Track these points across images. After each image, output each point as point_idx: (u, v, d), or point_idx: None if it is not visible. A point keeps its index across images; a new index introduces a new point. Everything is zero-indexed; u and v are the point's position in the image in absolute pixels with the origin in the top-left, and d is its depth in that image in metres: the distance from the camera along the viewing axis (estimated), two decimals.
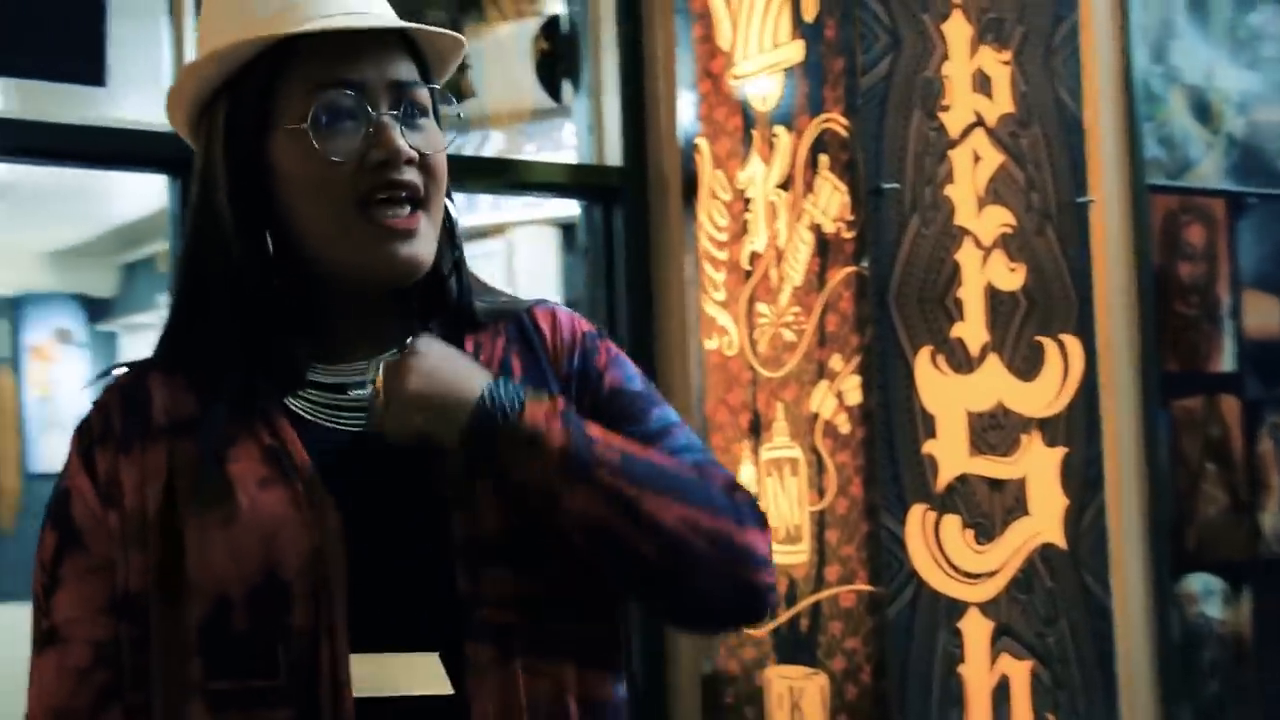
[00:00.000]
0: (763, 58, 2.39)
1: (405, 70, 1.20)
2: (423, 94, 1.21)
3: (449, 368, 1.16)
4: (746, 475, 2.41)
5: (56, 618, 1.19)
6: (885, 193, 2.19)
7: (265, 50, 1.18)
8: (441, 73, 1.28)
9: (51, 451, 6.83)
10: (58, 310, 8.35)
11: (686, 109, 2.54)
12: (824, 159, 2.26)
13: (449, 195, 1.26)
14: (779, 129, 2.35)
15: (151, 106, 2.24)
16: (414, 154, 1.17)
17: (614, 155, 2.64)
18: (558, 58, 2.77)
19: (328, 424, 1.20)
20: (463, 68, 2.63)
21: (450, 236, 1.25)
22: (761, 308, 2.38)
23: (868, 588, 2.19)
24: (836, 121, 2.24)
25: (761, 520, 1.21)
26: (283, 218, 1.20)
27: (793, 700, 2.32)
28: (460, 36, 1.27)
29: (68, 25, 2.25)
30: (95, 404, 1.23)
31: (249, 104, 1.20)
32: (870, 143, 2.20)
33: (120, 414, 1.20)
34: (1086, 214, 2.42)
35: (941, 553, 2.21)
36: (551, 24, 2.81)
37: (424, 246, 1.19)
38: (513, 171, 2.62)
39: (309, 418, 1.20)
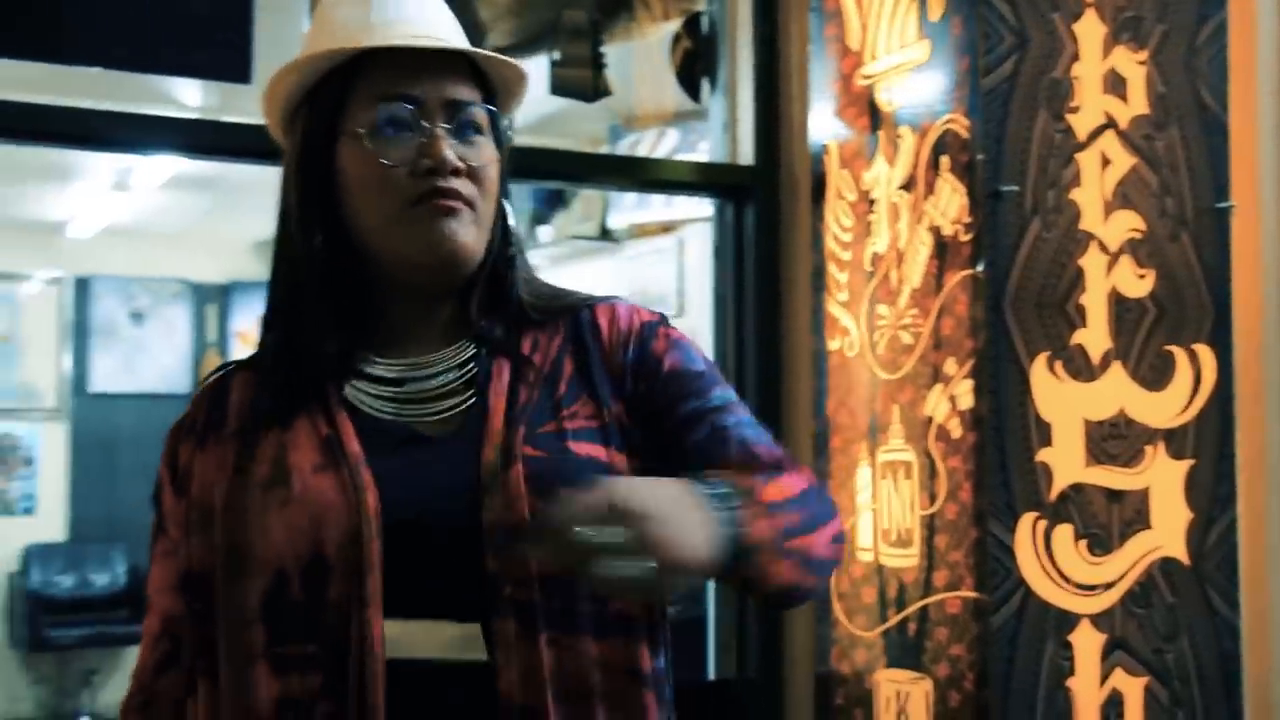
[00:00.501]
0: (890, 58, 2.37)
1: (462, 91, 1.32)
2: (477, 113, 1.33)
3: (677, 521, 1.13)
4: (863, 477, 2.40)
5: (150, 588, 1.37)
6: (1004, 195, 2.16)
7: (341, 65, 1.32)
8: (507, 99, 1.39)
9: None
10: (263, 297, 8.75)
11: (818, 109, 2.54)
12: (945, 160, 2.24)
13: (505, 197, 1.37)
14: (904, 129, 2.33)
15: None
16: (461, 165, 1.30)
17: (747, 154, 2.65)
18: (698, 57, 2.80)
19: (382, 415, 1.30)
20: (599, 66, 2.68)
21: (504, 239, 1.36)
22: (881, 309, 2.37)
23: (973, 595, 2.16)
24: (958, 122, 2.22)
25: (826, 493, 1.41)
26: (345, 217, 1.32)
27: (899, 705, 2.31)
28: (521, 68, 1.39)
29: (216, 25, 2.36)
30: (192, 400, 1.38)
31: (323, 113, 1.33)
32: (990, 144, 2.17)
33: (204, 411, 1.35)
34: (1228, 220, 2.34)
35: (1052, 562, 2.17)
36: (693, 23, 2.83)
37: (468, 233, 1.30)
38: (646, 170, 2.66)
39: (365, 409, 1.30)
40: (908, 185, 2.32)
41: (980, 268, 2.16)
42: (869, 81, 2.42)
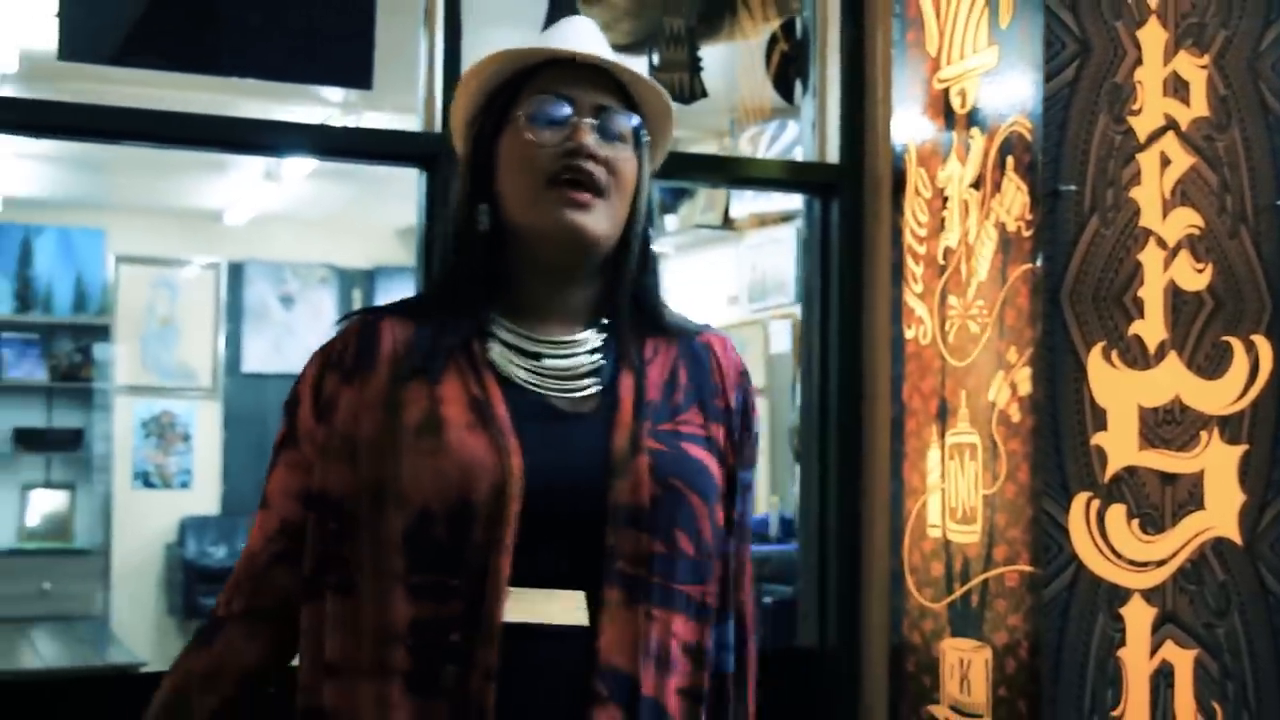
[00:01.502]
0: (964, 62, 2.52)
1: (612, 101, 1.53)
2: (621, 121, 1.53)
3: None
4: (933, 458, 2.56)
5: (270, 488, 1.55)
6: (1062, 194, 2.29)
7: (517, 72, 1.54)
8: (654, 122, 1.58)
9: None
10: (407, 281, 9.07)
11: (899, 110, 2.70)
12: (1010, 160, 2.38)
13: (650, 224, 1.57)
14: (974, 131, 2.48)
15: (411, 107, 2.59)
16: (600, 153, 1.49)
17: (834, 152, 2.82)
18: (792, 60, 2.97)
19: (524, 385, 1.49)
20: (695, 69, 2.86)
21: (643, 249, 1.56)
22: (952, 300, 2.52)
23: (1028, 569, 2.30)
24: (1022, 125, 2.36)
25: None
26: (499, 195, 1.52)
27: (962, 672, 2.46)
28: (665, 95, 1.59)
29: (342, 36, 2.60)
30: (340, 333, 1.55)
31: (497, 107, 1.54)
32: (1051, 146, 2.30)
33: (354, 348, 1.52)
34: None
35: (1105, 540, 2.31)
36: (788, 27, 3.00)
37: (595, 221, 1.49)
38: (738, 168, 2.83)
39: (509, 376, 1.49)
40: (977, 184, 2.47)
41: (1039, 262, 2.30)
42: (944, 85, 2.57)
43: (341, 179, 7.44)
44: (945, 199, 2.56)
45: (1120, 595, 2.32)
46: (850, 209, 2.78)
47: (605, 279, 1.56)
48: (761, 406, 4.89)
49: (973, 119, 2.49)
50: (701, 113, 3.12)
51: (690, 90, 2.84)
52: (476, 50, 2.55)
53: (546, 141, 1.49)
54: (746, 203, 5.44)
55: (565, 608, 1.43)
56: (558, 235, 1.49)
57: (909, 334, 2.65)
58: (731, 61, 3.27)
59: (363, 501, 1.45)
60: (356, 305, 8.96)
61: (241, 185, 7.27)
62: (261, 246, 8.35)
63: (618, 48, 3.05)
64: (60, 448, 8.20)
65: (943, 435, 2.54)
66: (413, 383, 1.47)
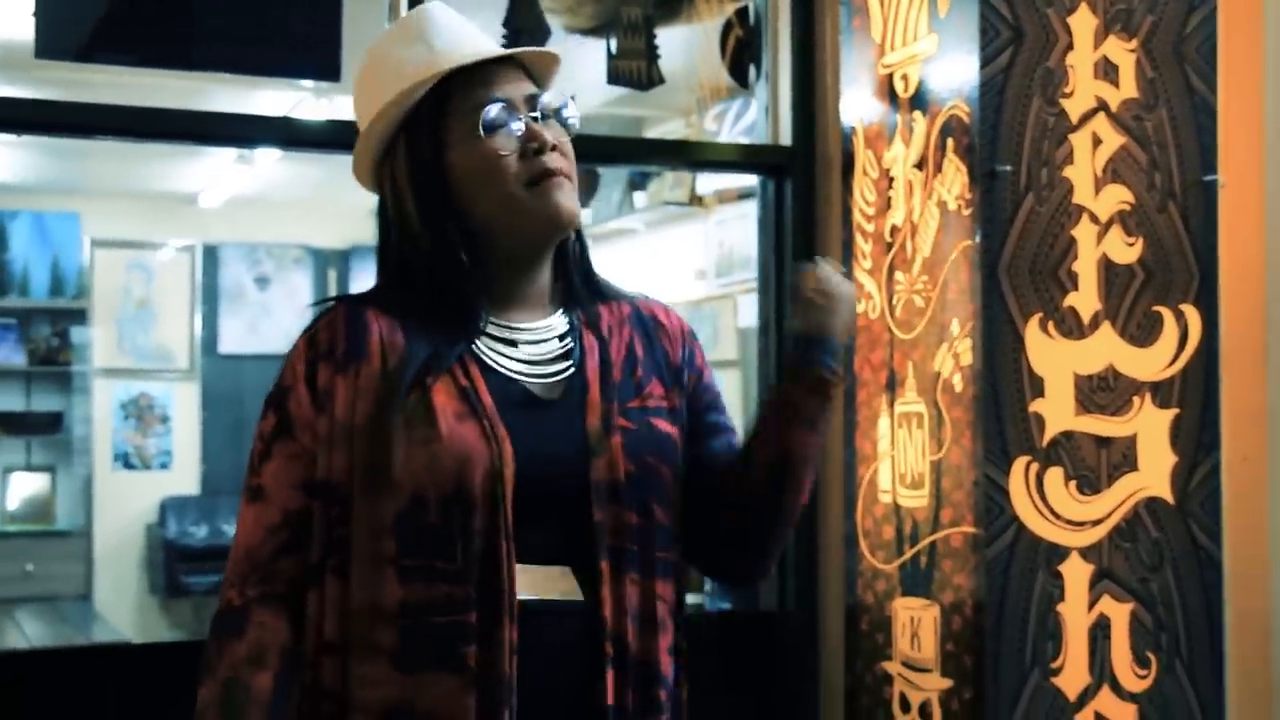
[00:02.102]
0: (905, 49, 2.63)
1: (529, 86, 1.62)
2: (546, 101, 1.61)
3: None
4: (883, 426, 2.69)
5: (264, 480, 1.57)
6: (999, 174, 2.41)
7: (424, 98, 1.60)
8: (549, 82, 1.67)
9: None
10: None
11: (847, 94, 2.81)
12: (950, 142, 2.50)
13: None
14: (916, 114, 2.60)
15: None
16: (555, 141, 1.57)
17: (786, 135, 2.93)
18: (746, 45, 3.08)
19: (503, 371, 1.59)
20: (653, 57, 2.97)
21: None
22: (899, 276, 2.64)
23: (972, 530, 2.43)
24: (960, 108, 2.47)
25: None
26: (463, 210, 1.59)
27: (913, 629, 2.59)
28: (555, 53, 1.66)
29: (309, 30, 2.70)
30: (324, 325, 1.60)
31: (425, 135, 1.60)
32: (987, 129, 2.42)
33: (344, 338, 1.57)
34: (1215, 193, 2.57)
35: (1044, 501, 2.44)
36: (743, 13, 3.11)
37: (574, 201, 1.60)
38: (692, 151, 2.95)
39: (490, 364, 1.58)
40: (920, 164, 2.59)
41: (977, 239, 2.42)
42: (889, 70, 2.69)
43: (313, 162, 7.50)
44: (891, 179, 2.68)
45: (1059, 553, 2.45)
46: (802, 189, 2.89)
47: (556, 259, 1.66)
48: (732, 379, 5.01)
49: (915, 103, 2.61)
50: (670, 91, 3.22)
51: (648, 76, 2.94)
52: None
53: (508, 148, 1.57)
54: (713, 179, 5.54)
55: (564, 582, 1.54)
56: (551, 230, 1.58)
57: (859, 309, 2.77)
58: (691, 43, 3.37)
59: (357, 487, 1.53)
60: (332, 285, 9.04)
61: (215, 169, 7.34)
62: (236, 228, 8.41)
63: (581, 32, 3.16)
64: (40, 431, 8.26)
65: (892, 405, 2.67)
66: (407, 372, 1.54)
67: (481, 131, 1.57)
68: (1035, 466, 2.43)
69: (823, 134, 2.89)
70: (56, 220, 8.52)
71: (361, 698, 1.51)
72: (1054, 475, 2.45)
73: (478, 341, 1.60)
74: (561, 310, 1.66)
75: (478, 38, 1.65)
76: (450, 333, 1.58)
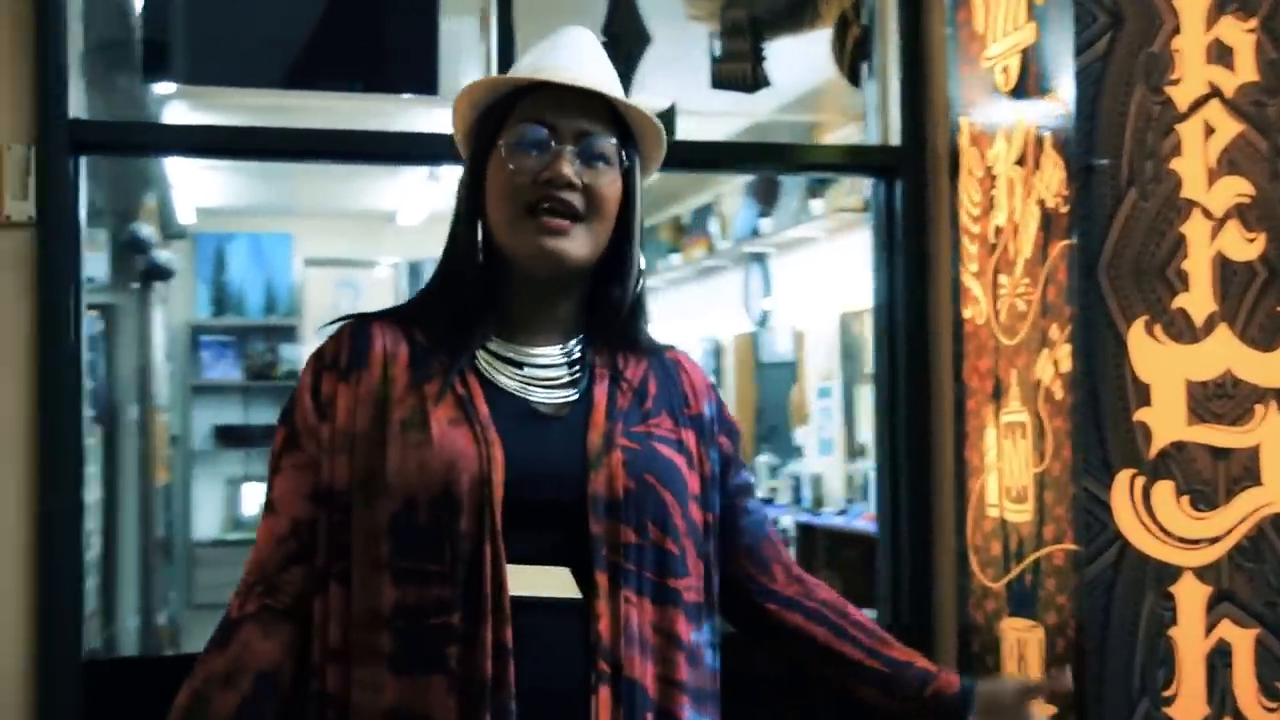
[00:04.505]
0: (1006, 40, 2.50)
1: (595, 125, 1.60)
2: (604, 144, 1.60)
3: None
4: (990, 437, 2.55)
5: (275, 493, 1.61)
6: (1096, 168, 2.27)
7: (505, 94, 1.62)
8: (644, 144, 1.67)
9: None
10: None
11: (954, 90, 2.69)
12: (1048, 137, 2.36)
13: (628, 230, 1.65)
14: (1016, 108, 2.46)
15: None
16: (577, 181, 1.57)
17: (897, 135, 2.82)
18: (860, 42, 2.97)
19: (504, 387, 1.59)
20: (758, 59, 2.90)
21: (625, 266, 1.65)
22: (1002, 279, 2.51)
23: (1073, 547, 2.29)
24: (1057, 100, 2.33)
25: None
26: (487, 217, 1.61)
27: (1019, 651, 2.45)
28: (654, 119, 1.66)
29: (405, 42, 2.73)
30: (331, 337, 1.65)
31: (486, 131, 1.63)
32: (1084, 121, 2.28)
33: (347, 349, 1.61)
34: None
35: (1151, 517, 2.27)
36: (858, 7, 3.01)
37: (573, 245, 1.58)
38: (800, 154, 2.86)
39: (493, 379, 1.59)
40: (1020, 161, 2.45)
41: (1074, 238, 2.28)
42: (990, 63, 2.55)
43: None
44: (994, 178, 2.54)
45: (1170, 573, 2.28)
46: (912, 191, 2.78)
47: (587, 293, 1.65)
48: None
49: (1015, 96, 2.47)
50: (842, 93, 3.12)
51: (753, 79, 2.87)
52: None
53: (525, 169, 1.56)
54: None
55: (560, 582, 1.52)
56: (537, 261, 1.57)
57: (967, 314, 2.64)
58: (809, 53, 3.28)
59: (356, 492, 1.55)
60: None
61: (408, 187, 7.52)
62: (435, 245, 8.59)
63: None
64: (257, 443, 8.61)
65: (997, 414, 2.53)
66: (405, 382, 1.57)
67: (509, 145, 1.58)
68: (1141, 480, 2.27)
69: (932, 133, 2.77)
70: (271, 241, 8.87)
71: (361, 702, 1.51)
72: (1163, 490, 2.28)
73: (481, 358, 1.60)
74: (579, 341, 1.65)
75: (591, 69, 1.63)
76: (454, 345, 1.59)
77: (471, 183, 1.63)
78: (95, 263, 7.12)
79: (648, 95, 2.84)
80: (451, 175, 5.73)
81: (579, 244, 1.58)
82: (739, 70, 2.85)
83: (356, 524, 1.54)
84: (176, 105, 5.30)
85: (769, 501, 6.55)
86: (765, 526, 1.77)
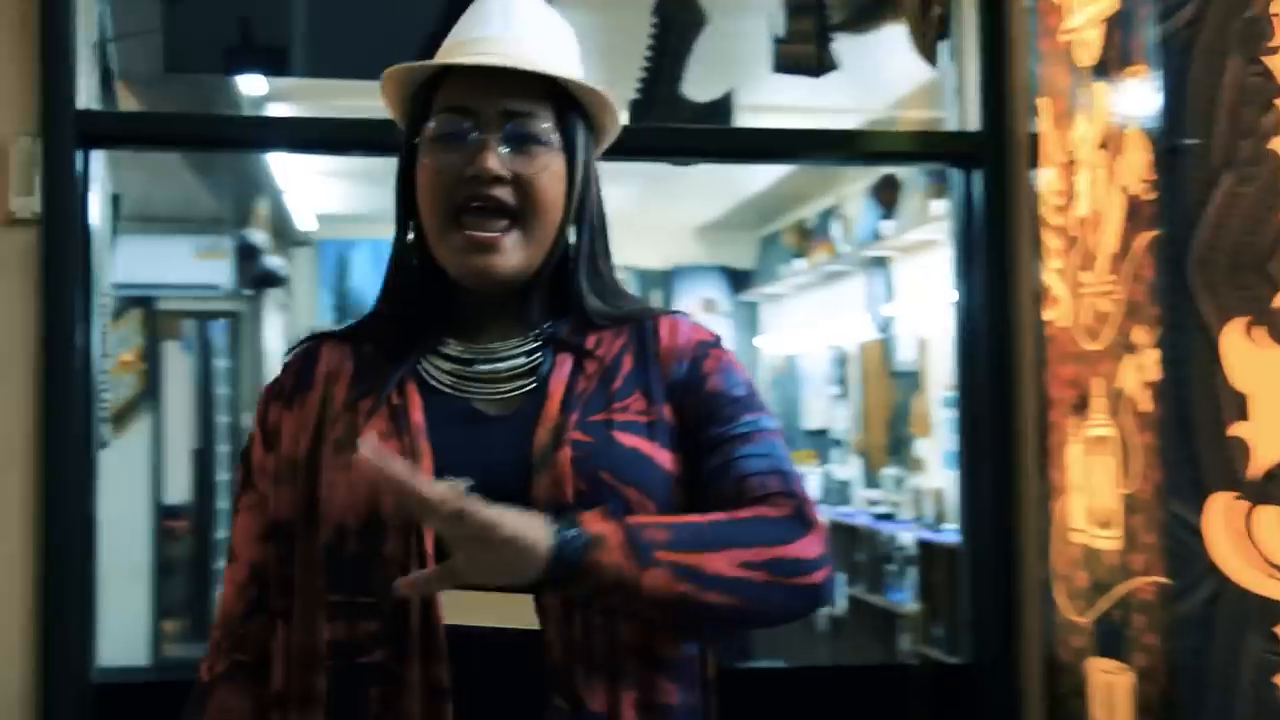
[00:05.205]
0: (1086, 10, 2.23)
1: (524, 104, 1.40)
2: (534, 124, 1.40)
3: (512, 533, 1.25)
4: (1073, 453, 2.28)
5: (234, 539, 1.49)
6: (1182, 150, 1.99)
7: (424, 82, 1.44)
8: (595, 119, 1.48)
9: None
10: (705, 281, 9.04)
11: (1034, 68, 2.43)
12: (1132, 116, 2.09)
13: (577, 207, 1.46)
14: (1098, 86, 2.20)
15: None
16: (505, 173, 1.39)
17: (975, 119, 2.57)
18: (939, 20, 2.72)
19: (451, 392, 1.42)
20: (825, 40, 2.67)
21: (585, 248, 1.46)
22: (1084, 276, 2.24)
23: (1163, 580, 2.02)
24: (1141, 74, 2.06)
25: (808, 523, 1.39)
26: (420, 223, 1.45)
27: (1107, 694, 2.18)
28: (599, 90, 1.47)
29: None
30: (284, 367, 1.52)
31: (409, 123, 1.47)
32: (1170, 97, 2.01)
33: (294, 375, 1.48)
34: None
35: (1253, 547, 1.99)
36: None
37: (504, 259, 1.41)
38: (868, 141, 2.61)
39: (436, 385, 1.42)
40: (1103, 144, 2.18)
41: (1161, 229, 2.01)
42: (1069, 37, 2.29)
43: (628, 180, 7.46)
44: (1076, 163, 2.28)
45: (1275, 611, 1.99)
46: (993, 180, 2.52)
47: (551, 282, 1.47)
48: None
49: (1097, 73, 2.21)
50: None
51: (819, 62, 2.64)
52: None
53: (448, 167, 1.39)
54: None
55: (515, 609, 1.33)
56: (465, 278, 1.41)
57: (1048, 316, 2.37)
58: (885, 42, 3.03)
59: (299, 523, 1.41)
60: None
61: None
62: None
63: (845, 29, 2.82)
64: None
65: (1081, 428, 2.26)
66: (342, 400, 1.43)
67: (429, 140, 1.42)
68: (1240, 505, 1.99)
69: (1012, 115, 2.51)
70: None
71: None
72: (1266, 516, 1.99)
73: (425, 362, 1.44)
74: (549, 324, 1.47)
75: (520, 38, 1.43)
76: (399, 355, 1.45)
77: (403, 182, 1.46)
78: (217, 270, 7.15)
79: (699, 88, 2.62)
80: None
81: (510, 256, 1.40)
82: (803, 52, 2.62)
83: (300, 557, 1.40)
84: (276, 107, 5.24)
85: (889, 517, 6.27)
86: (726, 478, 1.42)
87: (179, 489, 6.59)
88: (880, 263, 6.76)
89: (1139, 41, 2.08)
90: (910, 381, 6.60)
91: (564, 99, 1.44)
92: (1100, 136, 2.19)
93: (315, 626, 1.36)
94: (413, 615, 1.32)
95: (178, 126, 2.45)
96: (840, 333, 7.48)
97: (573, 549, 1.26)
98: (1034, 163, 2.42)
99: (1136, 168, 2.07)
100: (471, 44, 1.42)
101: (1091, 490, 2.22)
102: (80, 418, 2.26)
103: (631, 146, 2.56)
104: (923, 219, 5.88)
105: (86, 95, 2.32)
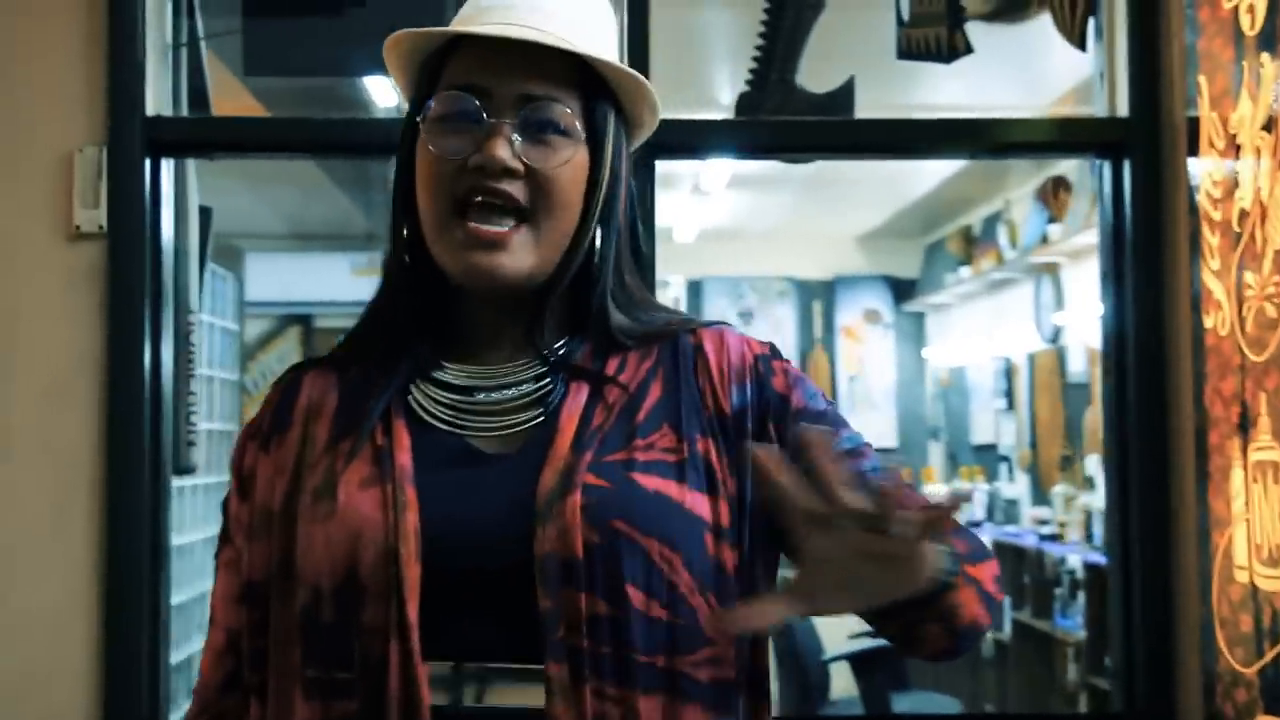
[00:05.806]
0: None
1: (544, 86, 1.19)
2: (556, 110, 1.19)
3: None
4: (1236, 480, 2.00)
5: (212, 601, 1.29)
6: None
7: (434, 52, 1.24)
8: (631, 105, 1.25)
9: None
10: (867, 291, 8.72)
11: (1191, 42, 2.15)
12: None
13: (602, 206, 1.23)
14: (1264, 58, 1.91)
15: None
16: (517, 165, 1.18)
17: (1124, 106, 2.29)
18: (1085, 2, 2.45)
19: (446, 427, 1.20)
20: (956, 22, 2.42)
21: (609, 253, 1.23)
22: (1248, 277, 1.96)
23: None
24: None
25: None
26: (419, 218, 1.23)
27: None
28: (635, 75, 1.25)
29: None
30: (264, 401, 1.30)
31: (413, 102, 1.25)
32: None
33: (272, 412, 1.27)
34: None
35: None
36: None
37: (512, 259, 1.18)
38: (999, 131, 2.35)
39: (429, 419, 1.21)
40: (1268, 126, 1.90)
41: None
42: (1232, 3, 2.01)
43: (784, 190, 7.22)
44: (1238, 148, 1.99)
45: None
46: (1143, 171, 2.24)
47: (566, 293, 1.23)
48: None
49: (1262, 44, 1.92)
50: None
51: (950, 46, 2.39)
52: (663, 30, 2.26)
53: (451, 153, 1.18)
54: None
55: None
56: (465, 279, 1.19)
57: (1208, 323, 2.09)
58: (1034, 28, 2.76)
59: (273, 585, 1.19)
60: (816, 317, 8.72)
61: (680, 204, 7.21)
62: (715, 262, 8.31)
63: (984, 18, 2.59)
64: None
65: (1245, 451, 1.98)
66: (323, 439, 1.21)
67: (431, 120, 1.20)
68: None
69: (1166, 97, 2.23)
70: None
71: None
72: None
73: (417, 390, 1.22)
74: (563, 344, 1.23)
75: (547, 8, 1.22)
76: (389, 381, 1.22)
77: (402, 170, 1.24)
78: (374, 287, 7.13)
79: (816, 80, 2.40)
80: (713, 186, 5.39)
81: (518, 256, 1.17)
82: (931, 36, 2.37)
83: (273, 623, 1.19)
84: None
85: (1056, 538, 5.91)
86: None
87: None
88: (1049, 269, 6.40)
89: None
90: (1081, 394, 6.22)
91: (594, 84, 1.23)
92: (1265, 117, 1.90)
93: (290, 706, 1.15)
94: (391, 694, 1.10)
95: (250, 131, 2.31)
96: (1008, 343, 7.12)
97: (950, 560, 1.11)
98: (1191, 150, 2.14)
99: None
100: (490, 11, 1.21)
101: (1257, 522, 1.93)
102: (146, 442, 2.13)
103: (744, 143, 2.39)
104: (1092, 222, 5.52)
105: (156, 102, 2.20)
